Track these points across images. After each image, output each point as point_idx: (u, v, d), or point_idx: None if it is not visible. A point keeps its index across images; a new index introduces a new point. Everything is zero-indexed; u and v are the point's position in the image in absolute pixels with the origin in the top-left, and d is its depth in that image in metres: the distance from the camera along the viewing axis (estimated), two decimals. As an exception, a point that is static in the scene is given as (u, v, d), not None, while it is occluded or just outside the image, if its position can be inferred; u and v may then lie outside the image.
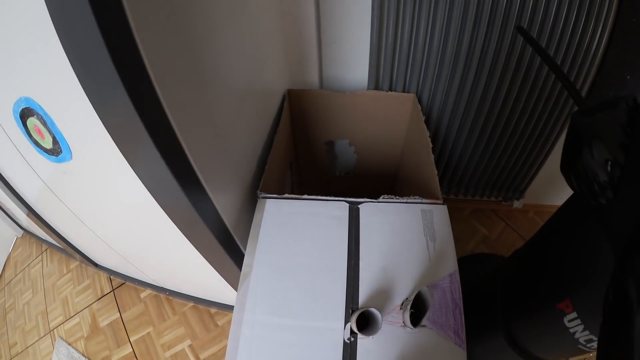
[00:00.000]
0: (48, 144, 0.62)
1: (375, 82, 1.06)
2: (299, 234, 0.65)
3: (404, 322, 0.53)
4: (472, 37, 0.91)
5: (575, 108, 1.01)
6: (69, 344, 1.45)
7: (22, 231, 1.96)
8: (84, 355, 1.41)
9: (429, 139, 0.83)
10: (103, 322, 1.49)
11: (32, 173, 0.83)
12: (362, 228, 0.65)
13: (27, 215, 1.30)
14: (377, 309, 0.50)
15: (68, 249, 1.48)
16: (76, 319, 1.52)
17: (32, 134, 0.63)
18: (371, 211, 0.67)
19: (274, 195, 0.73)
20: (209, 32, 0.53)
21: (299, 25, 0.98)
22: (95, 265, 1.59)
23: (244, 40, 0.69)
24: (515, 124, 1.10)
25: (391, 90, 1.07)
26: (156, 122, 0.41)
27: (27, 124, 0.61)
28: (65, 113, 0.55)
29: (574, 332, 0.57)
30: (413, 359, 0.51)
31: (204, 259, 0.75)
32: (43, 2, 0.32)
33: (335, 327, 0.54)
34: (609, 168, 0.38)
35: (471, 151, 1.21)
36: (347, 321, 0.54)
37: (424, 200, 0.68)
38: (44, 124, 0.57)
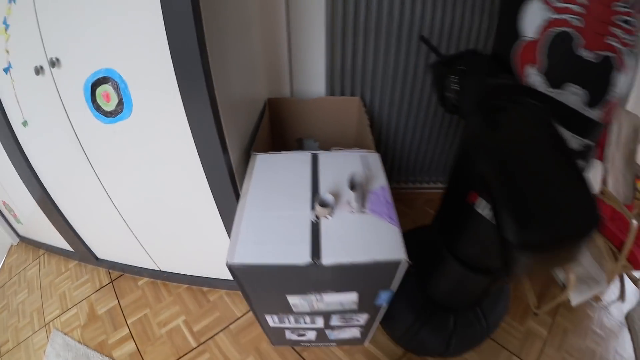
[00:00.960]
0: (111, 106, 0.91)
1: (330, 90, 1.56)
2: (279, 170, 0.99)
3: (351, 208, 0.82)
4: (397, 49, 1.39)
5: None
6: (65, 334, 1.55)
7: (17, 239, 2.09)
8: (80, 342, 1.51)
9: (367, 119, 1.19)
10: (101, 310, 1.61)
11: (74, 144, 1.10)
12: (320, 165, 1.00)
13: (39, 200, 1.49)
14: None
15: (71, 239, 1.64)
16: (73, 310, 1.64)
17: (97, 99, 0.92)
18: (326, 157, 1.04)
19: (262, 153, 1.04)
20: (230, 49, 0.92)
21: (276, 53, 1.47)
22: (96, 259, 1.75)
23: (244, 59, 1.10)
24: (442, 114, 1.49)
25: (342, 95, 1.56)
26: (210, 88, 0.78)
27: (96, 91, 0.90)
28: (139, 80, 0.87)
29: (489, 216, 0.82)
30: (360, 231, 0.80)
31: (212, 200, 1.04)
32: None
33: (306, 214, 0.83)
34: (456, 87, 0.72)
35: (410, 140, 1.61)
36: (314, 208, 0.83)
37: (362, 151, 1.02)
38: (116, 88, 0.87)
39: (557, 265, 0.77)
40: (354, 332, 1.19)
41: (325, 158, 1.03)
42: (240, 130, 1.08)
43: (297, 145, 1.60)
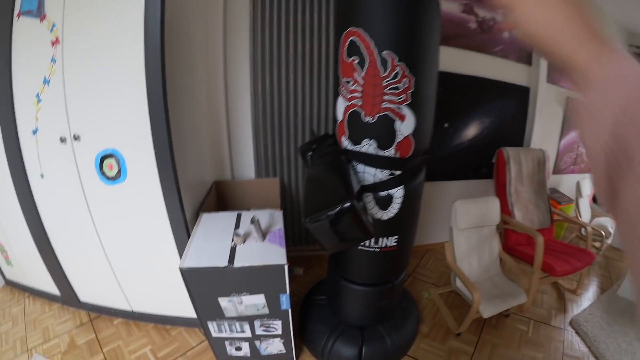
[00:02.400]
0: (113, 173, 1.57)
1: (258, 174, 2.64)
2: (216, 222, 1.66)
3: (257, 239, 1.44)
4: (302, 139, 2.35)
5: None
6: (46, 358, 1.98)
7: (3, 282, 2.57)
8: None
9: (279, 192, 1.91)
10: (80, 341, 2.11)
11: (80, 198, 1.74)
12: (242, 218, 1.64)
13: (38, 243, 2.06)
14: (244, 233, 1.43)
15: (60, 281, 2.19)
16: (55, 341, 2.12)
17: (103, 168, 1.59)
18: (246, 213, 1.73)
19: (207, 212, 1.69)
20: (186, 146, 1.67)
21: (221, 149, 2.44)
22: (79, 301, 2.28)
23: (196, 153, 1.91)
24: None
25: (267, 177, 2.53)
26: (174, 171, 1.51)
27: (103, 163, 1.57)
28: (133, 160, 1.58)
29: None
30: (260, 251, 1.42)
31: (174, 245, 1.66)
32: (137, 101, 1.44)
33: (228, 243, 1.48)
34: (310, 155, 1.40)
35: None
36: (232, 239, 1.45)
37: (271, 209, 1.68)
38: (118, 162, 1.54)
39: (344, 235, 1.23)
40: (279, 346, 1.71)
41: (246, 214, 1.76)
42: (194, 199, 1.86)
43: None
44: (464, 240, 2.13)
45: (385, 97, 1.27)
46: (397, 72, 1.23)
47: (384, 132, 1.32)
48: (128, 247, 1.87)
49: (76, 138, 1.62)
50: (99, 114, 1.57)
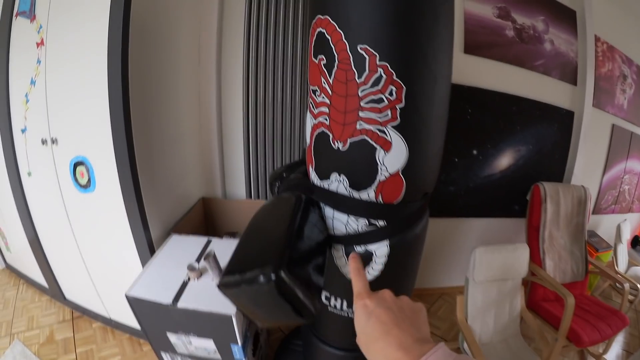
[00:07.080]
0: (84, 181, 1.71)
1: (250, 195, 2.72)
2: (181, 246, 1.73)
3: (213, 277, 1.49)
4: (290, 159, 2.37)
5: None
6: (25, 346, 2.26)
7: (4, 264, 2.96)
8: (35, 354, 2.21)
9: None
10: (58, 337, 2.35)
11: (59, 202, 1.91)
12: (210, 246, 1.69)
13: (30, 240, 2.32)
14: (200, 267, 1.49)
15: (48, 277, 2.43)
16: (36, 331, 2.39)
17: (76, 175, 1.73)
18: (217, 241, 1.77)
19: (177, 234, 1.78)
20: (160, 162, 1.77)
21: (211, 162, 2.53)
22: (64, 298, 2.52)
23: (171, 167, 2.02)
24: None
25: (258, 198, 2.58)
26: (137, 186, 1.62)
27: (76, 170, 1.71)
28: (100, 166, 1.69)
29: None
30: (212, 292, 1.45)
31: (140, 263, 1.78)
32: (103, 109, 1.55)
33: (183, 275, 1.53)
34: (277, 185, 1.40)
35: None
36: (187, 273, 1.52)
37: None
38: (87, 170, 1.67)
39: (270, 313, 0.95)
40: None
41: (216, 242, 1.82)
42: (165, 216, 1.95)
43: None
44: (481, 295, 1.99)
45: (362, 115, 0.95)
46: (378, 77, 0.90)
47: (360, 164, 1.01)
48: (102, 258, 2.03)
49: (54, 141, 1.78)
50: (73, 119, 1.70)
